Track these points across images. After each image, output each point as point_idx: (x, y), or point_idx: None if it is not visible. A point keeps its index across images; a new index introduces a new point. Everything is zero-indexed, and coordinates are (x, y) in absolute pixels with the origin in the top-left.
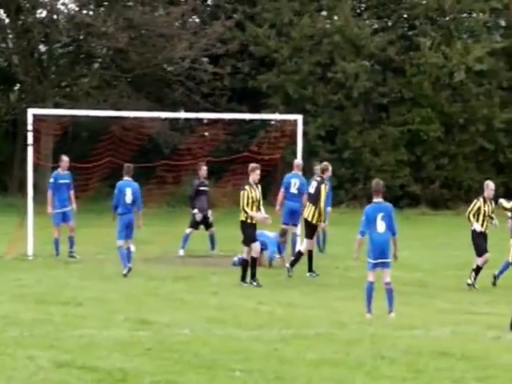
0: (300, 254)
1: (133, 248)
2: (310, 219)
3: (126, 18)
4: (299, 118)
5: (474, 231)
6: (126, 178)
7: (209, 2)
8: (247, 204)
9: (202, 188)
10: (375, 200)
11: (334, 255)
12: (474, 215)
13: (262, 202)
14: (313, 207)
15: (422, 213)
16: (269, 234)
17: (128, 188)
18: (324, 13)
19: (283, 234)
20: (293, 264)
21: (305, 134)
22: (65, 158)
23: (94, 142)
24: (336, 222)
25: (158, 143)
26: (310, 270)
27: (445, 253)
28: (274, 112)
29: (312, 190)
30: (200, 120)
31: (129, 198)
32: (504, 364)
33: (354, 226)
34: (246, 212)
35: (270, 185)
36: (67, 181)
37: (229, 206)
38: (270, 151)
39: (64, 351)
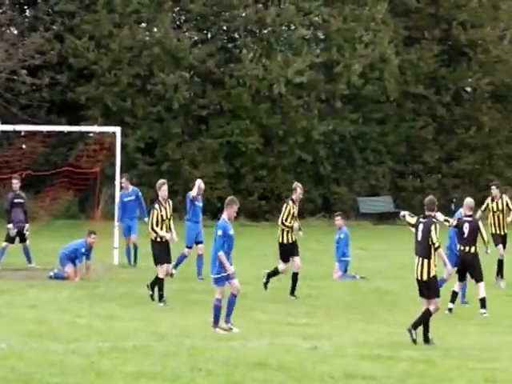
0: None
1: None
2: (279, 240)
3: None
4: (117, 130)
5: None
6: None
7: (27, 14)
8: (156, 223)
9: (16, 201)
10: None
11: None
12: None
13: (172, 220)
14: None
15: (241, 224)
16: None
17: None
18: (144, 25)
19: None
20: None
21: (124, 146)
22: None
23: None
24: None
25: None
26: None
27: (264, 264)
28: (93, 124)
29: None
30: (18, 132)
31: None
32: (319, 374)
33: None
34: (156, 232)
35: (88, 197)
36: None
37: (47, 218)
38: (89, 164)
39: None
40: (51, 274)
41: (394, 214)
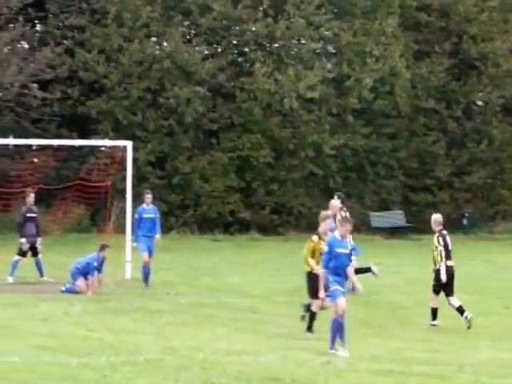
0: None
1: None
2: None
3: None
4: (129, 144)
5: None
6: None
7: (38, 28)
8: (312, 255)
9: (29, 215)
10: None
11: (165, 281)
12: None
13: None
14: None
15: (253, 238)
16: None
17: None
18: (154, 39)
19: None
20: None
21: (135, 160)
22: None
23: None
24: (166, 248)
25: None
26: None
27: (276, 278)
28: (103, 138)
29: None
30: (29, 146)
31: None
32: None
33: (184, 251)
34: (309, 264)
35: (99, 211)
36: None
37: (59, 232)
38: (100, 178)
39: None
40: (63, 288)
41: (405, 228)
